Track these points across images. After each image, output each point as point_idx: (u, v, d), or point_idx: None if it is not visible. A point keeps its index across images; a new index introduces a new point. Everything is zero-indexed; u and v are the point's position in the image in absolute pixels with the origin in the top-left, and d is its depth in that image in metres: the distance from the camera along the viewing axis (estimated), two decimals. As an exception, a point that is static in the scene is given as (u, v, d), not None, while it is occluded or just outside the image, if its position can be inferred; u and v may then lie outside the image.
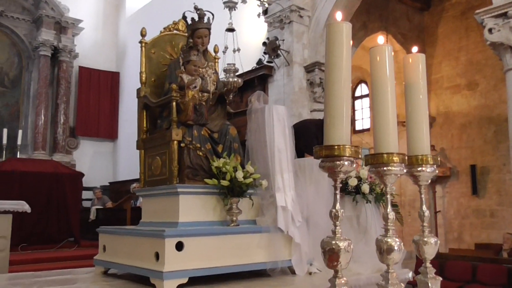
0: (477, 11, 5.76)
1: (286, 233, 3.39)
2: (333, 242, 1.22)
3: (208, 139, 3.49)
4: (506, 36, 5.46)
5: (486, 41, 5.76)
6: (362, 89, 13.06)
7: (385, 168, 1.35)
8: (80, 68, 14.53)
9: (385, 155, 1.35)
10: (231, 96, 7.28)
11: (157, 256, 2.86)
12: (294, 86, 8.03)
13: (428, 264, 1.47)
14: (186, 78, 3.46)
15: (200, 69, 3.75)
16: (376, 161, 1.36)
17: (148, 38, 3.96)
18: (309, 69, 8.14)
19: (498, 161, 9.45)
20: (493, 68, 9.33)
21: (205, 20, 3.84)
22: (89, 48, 14.93)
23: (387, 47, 1.42)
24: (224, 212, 3.34)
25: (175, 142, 3.30)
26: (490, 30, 5.63)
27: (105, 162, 14.45)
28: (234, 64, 7.00)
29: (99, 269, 3.57)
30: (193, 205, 3.23)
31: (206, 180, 3.29)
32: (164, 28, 4.10)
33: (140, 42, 3.87)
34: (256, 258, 3.27)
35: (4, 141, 11.64)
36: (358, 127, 13.04)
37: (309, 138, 4.22)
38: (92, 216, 8.41)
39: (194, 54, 3.60)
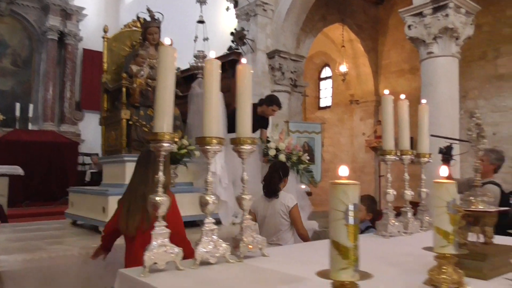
0: (400, 10, 5.99)
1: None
2: (156, 198, 1.58)
3: (153, 117, 3.81)
4: (421, 32, 5.71)
5: (406, 35, 6.03)
6: (326, 72, 13.26)
7: (207, 147, 1.70)
8: (84, 50, 14.58)
9: (207, 138, 1.70)
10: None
11: (103, 209, 3.23)
12: (257, 70, 8.26)
13: (247, 214, 1.84)
14: (135, 68, 3.75)
15: (151, 60, 4.03)
16: (201, 142, 1.70)
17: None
18: (270, 55, 8.36)
19: (432, 134, 9.83)
20: (430, 56, 9.57)
21: (156, 19, 4.08)
22: (93, 32, 14.89)
23: (215, 62, 1.74)
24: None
25: (124, 120, 3.63)
26: (409, 27, 5.89)
27: (107, 132, 14.72)
28: (203, 51, 7.20)
29: (69, 221, 3.95)
30: (139, 170, 3.58)
31: (149, 151, 3.63)
32: (125, 25, 4.35)
33: (103, 37, 4.13)
34: (189, 212, 3.65)
35: (17, 113, 11.88)
36: (322, 104, 13.32)
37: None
38: (88, 178, 8.80)
39: (143, 49, 3.88)
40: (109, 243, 2.45)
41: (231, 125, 4.39)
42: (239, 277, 1.49)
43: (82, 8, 14.18)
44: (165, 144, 1.57)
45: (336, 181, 0.98)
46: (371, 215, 3.09)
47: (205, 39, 7.42)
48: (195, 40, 7.41)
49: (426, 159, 2.69)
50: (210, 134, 1.70)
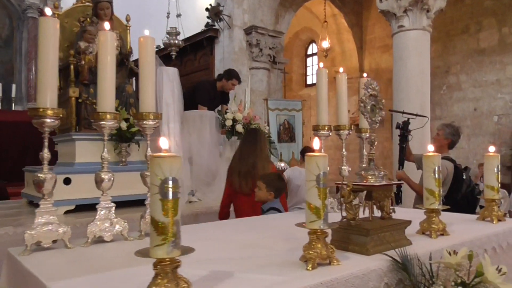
0: (371, -18, 5.83)
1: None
2: (39, 175, 1.53)
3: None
4: (391, 5, 5.58)
5: (378, 9, 5.89)
6: (313, 48, 13.07)
7: (101, 123, 1.65)
8: (67, 28, 14.30)
9: (100, 113, 1.64)
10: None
11: (49, 188, 3.19)
12: (234, 46, 8.13)
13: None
14: (83, 45, 3.65)
15: (103, 37, 3.91)
16: (97, 117, 1.65)
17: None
18: (248, 31, 8.20)
19: (415, 111, 9.76)
20: (414, 30, 9.39)
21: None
22: (75, 10, 14.61)
23: (110, 34, 1.67)
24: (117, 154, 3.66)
25: (73, 98, 3.56)
26: (380, 0, 5.75)
27: (93, 112, 14.61)
28: (176, 28, 7.05)
29: (25, 201, 3.93)
30: (89, 149, 3.51)
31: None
32: (77, 1, 4.21)
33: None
34: (141, 190, 3.60)
35: (0, 93, 11.74)
36: (309, 81, 13.18)
37: (203, 93, 4.45)
38: (67, 158, 8.76)
39: (91, 25, 3.76)
40: (227, 215, 3.16)
41: (188, 103, 4.35)
42: (119, 254, 1.47)
43: (63, -15, 13.82)
44: (47, 120, 1.52)
45: (154, 154, 0.93)
46: (273, 194, 2.79)
47: (178, 15, 7.25)
48: (167, 17, 7.24)
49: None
50: (105, 110, 1.65)
